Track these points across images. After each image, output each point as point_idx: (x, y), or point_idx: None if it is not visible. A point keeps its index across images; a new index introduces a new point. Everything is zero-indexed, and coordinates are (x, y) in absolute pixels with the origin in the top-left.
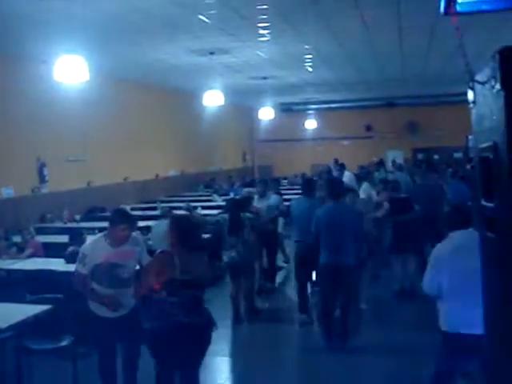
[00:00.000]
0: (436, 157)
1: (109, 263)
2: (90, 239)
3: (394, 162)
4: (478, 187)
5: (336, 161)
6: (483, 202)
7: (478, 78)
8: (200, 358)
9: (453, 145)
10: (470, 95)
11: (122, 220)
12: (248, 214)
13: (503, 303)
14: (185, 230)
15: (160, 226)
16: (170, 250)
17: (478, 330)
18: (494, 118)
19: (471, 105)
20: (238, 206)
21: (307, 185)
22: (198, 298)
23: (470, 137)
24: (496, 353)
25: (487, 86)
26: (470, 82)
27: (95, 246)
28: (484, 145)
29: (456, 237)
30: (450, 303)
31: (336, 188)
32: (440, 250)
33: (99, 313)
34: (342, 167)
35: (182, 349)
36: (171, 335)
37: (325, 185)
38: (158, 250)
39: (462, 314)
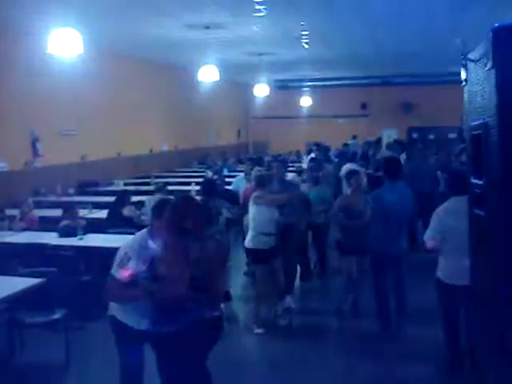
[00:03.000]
0: (431, 136)
1: None
2: (132, 237)
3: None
4: (468, 164)
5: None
6: (472, 180)
7: (471, 56)
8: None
9: (448, 125)
10: (463, 73)
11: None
12: (220, 201)
13: (489, 275)
14: (193, 213)
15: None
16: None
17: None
18: (486, 96)
19: (463, 83)
20: (207, 190)
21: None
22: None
23: (464, 117)
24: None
25: (480, 64)
26: (463, 60)
27: (142, 246)
28: (475, 123)
29: (454, 201)
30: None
31: (393, 166)
32: (439, 211)
33: (132, 324)
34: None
35: (207, 345)
36: (202, 333)
37: (381, 163)
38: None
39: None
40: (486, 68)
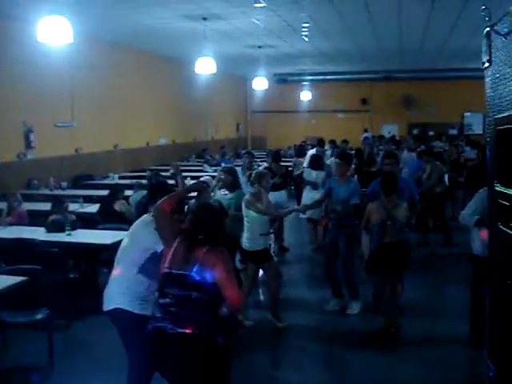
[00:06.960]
0: (431, 133)
1: None
2: None
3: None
4: (491, 167)
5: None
6: (499, 187)
7: (499, 28)
8: None
9: (449, 121)
10: (485, 53)
11: None
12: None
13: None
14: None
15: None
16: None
17: None
18: None
19: (485, 64)
20: None
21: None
22: None
23: (465, 113)
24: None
25: (511, 38)
26: (486, 33)
27: None
28: (502, 115)
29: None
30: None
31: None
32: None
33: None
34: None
35: None
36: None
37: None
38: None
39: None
40: None
